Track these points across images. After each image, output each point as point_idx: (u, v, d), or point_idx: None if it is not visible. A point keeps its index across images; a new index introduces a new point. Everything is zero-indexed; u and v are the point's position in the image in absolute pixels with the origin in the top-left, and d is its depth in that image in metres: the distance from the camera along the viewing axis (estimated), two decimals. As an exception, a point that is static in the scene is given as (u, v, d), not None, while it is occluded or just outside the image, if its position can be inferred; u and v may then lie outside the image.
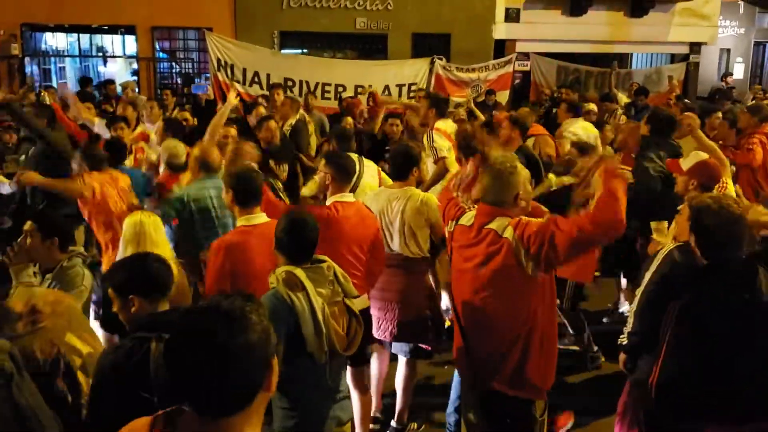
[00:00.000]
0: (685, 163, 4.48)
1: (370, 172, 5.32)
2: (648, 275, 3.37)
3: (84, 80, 13.34)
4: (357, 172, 4.81)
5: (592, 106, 8.97)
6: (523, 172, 3.27)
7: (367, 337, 4.36)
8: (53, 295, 2.98)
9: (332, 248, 3.85)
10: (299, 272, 2.94)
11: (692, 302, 2.87)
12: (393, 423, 4.63)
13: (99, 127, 7.28)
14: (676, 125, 5.71)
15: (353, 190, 4.52)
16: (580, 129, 7.24)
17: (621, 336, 3.50)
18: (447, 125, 6.36)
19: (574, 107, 8.18)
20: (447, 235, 3.55)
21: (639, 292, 3.42)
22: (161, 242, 3.77)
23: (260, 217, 3.84)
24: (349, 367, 4.12)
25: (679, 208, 3.89)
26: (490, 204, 3.22)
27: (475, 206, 3.42)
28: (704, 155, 4.63)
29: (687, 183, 4.39)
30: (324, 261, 3.10)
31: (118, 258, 3.74)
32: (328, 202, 4.08)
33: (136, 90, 10.98)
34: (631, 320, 3.44)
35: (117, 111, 8.39)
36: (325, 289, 2.98)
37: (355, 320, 3.11)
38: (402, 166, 4.36)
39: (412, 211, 4.20)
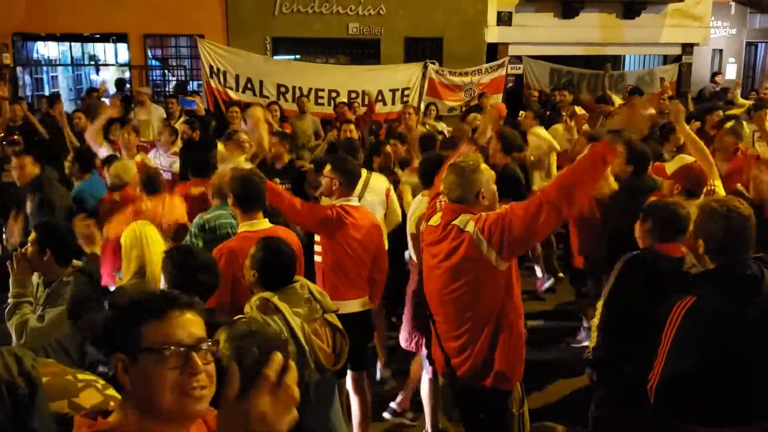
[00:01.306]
0: (670, 167, 4.44)
1: (377, 187, 5.30)
2: (607, 288, 3.42)
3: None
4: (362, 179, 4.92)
5: (579, 110, 9.00)
6: (487, 172, 3.37)
7: (365, 341, 4.42)
8: None
9: (340, 248, 4.11)
10: (271, 297, 2.92)
11: (700, 306, 2.78)
12: (393, 404, 4.81)
13: (103, 151, 6.89)
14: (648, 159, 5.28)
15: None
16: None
17: (586, 351, 3.55)
18: None
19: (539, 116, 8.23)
20: (420, 236, 3.71)
21: (599, 306, 3.46)
22: (160, 242, 3.76)
23: (263, 223, 3.81)
24: (349, 371, 4.17)
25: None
26: (454, 202, 3.32)
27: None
28: (689, 158, 4.59)
29: (672, 187, 4.36)
30: (297, 281, 3.08)
31: (123, 268, 3.72)
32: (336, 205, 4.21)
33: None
34: (594, 335, 3.49)
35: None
36: (301, 308, 2.97)
37: (339, 334, 3.08)
38: (434, 174, 4.21)
39: None
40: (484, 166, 3.38)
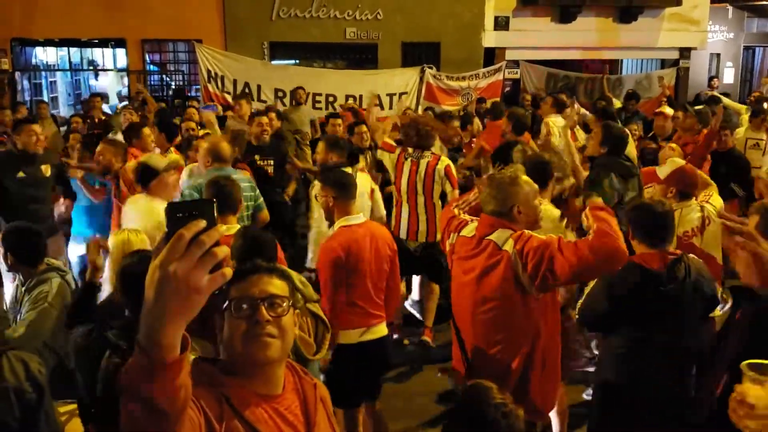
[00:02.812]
0: (662, 172, 4.42)
1: (360, 189, 5.19)
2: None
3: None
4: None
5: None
6: (527, 186, 3.19)
7: (381, 371, 4.12)
8: None
9: (354, 280, 3.72)
10: None
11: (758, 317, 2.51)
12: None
13: None
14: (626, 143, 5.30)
15: None
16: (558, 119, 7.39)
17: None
18: None
19: (559, 104, 8.14)
20: (448, 248, 3.44)
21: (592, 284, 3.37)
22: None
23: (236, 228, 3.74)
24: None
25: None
26: (490, 215, 3.15)
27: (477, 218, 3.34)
28: (681, 161, 4.59)
29: (665, 192, 4.32)
30: None
31: (109, 275, 3.64)
32: (335, 227, 3.84)
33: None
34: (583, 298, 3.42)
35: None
36: None
37: (321, 323, 3.06)
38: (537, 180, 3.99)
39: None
40: (524, 178, 3.22)
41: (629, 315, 3.17)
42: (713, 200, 4.52)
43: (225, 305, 1.76)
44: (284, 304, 1.78)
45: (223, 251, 1.19)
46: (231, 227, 3.72)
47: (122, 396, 1.24)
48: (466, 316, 3.22)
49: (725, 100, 11.44)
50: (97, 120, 9.74)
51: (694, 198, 4.38)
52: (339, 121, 7.89)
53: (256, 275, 1.81)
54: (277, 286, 1.81)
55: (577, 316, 3.46)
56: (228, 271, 1.20)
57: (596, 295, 3.27)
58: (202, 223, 1.18)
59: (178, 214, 1.21)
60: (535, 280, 2.92)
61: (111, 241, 3.64)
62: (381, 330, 3.92)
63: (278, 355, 1.74)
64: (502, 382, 2.98)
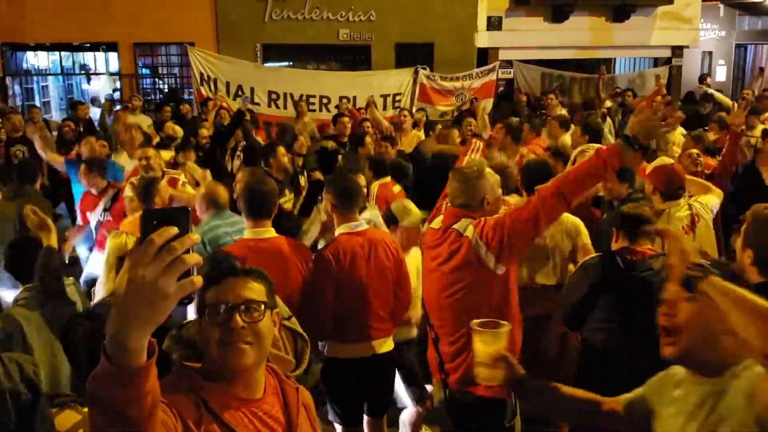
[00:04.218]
0: (649, 167, 4.49)
1: None
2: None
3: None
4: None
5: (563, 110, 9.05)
6: (491, 177, 3.31)
7: (385, 386, 3.91)
8: None
9: (346, 291, 3.60)
10: None
11: None
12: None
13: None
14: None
15: None
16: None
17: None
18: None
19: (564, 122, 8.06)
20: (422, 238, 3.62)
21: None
22: None
23: (270, 231, 3.62)
24: (365, 416, 3.88)
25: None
26: (457, 207, 3.28)
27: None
28: (668, 160, 4.60)
29: (648, 187, 4.40)
30: None
31: (103, 275, 3.58)
32: (335, 234, 3.73)
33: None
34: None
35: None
36: None
37: (300, 338, 2.99)
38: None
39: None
40: (488, 170, 3.33)
41: (602, 300, 3.36)
42: (703, 198, 4.49)
43: (200, 310, 1.76)
44: (261, 308, 1.77)
45: (194, 259, 1.19)
46: (265, 231, 3.60)
47: (89, 403, 1.22)
48: (434, 301, 3.36)
49: (717, 95, 11.52)
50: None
51: (681, 200, 4.36)
52: (346, 119, 8.22)
53: (232, 278, 1.79)
54: (253, 289, 1.79)
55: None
56: (198, 279, 1.20)
57: (574, 284, 3.53)
58: (174, 230, 1.18)
59: (153, 221, 1.22)
60: (500, 253, 3.06)
61: (108, 244, 3.59)
62: (381, 345, 3.75)
63: (254, 361, 1.73)
64: (466, 360, 3.10)
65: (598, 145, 5.45)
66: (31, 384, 2.43)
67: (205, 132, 7.64)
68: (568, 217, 4.00)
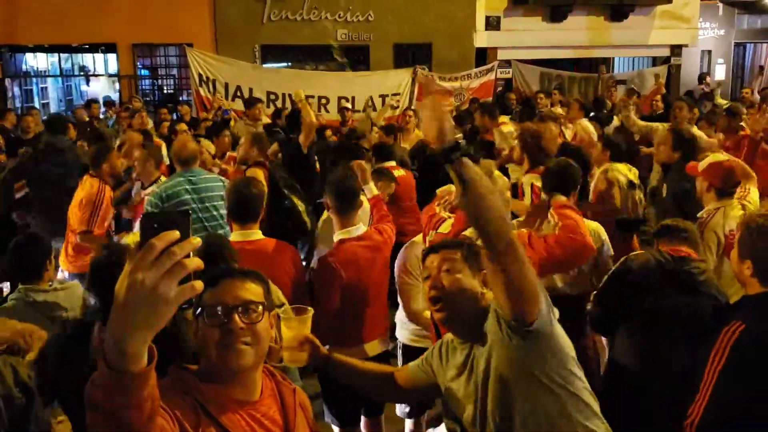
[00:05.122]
0: (702, 164, 4.26)
1: None
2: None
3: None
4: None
5: (559, 110, 9.01)
6: (500, 180, 3.27)
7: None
8: None
9: (350, 298, 3.58)
10: None
11: (752, 335, 2.39)
12: None
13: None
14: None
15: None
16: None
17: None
18: None
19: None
20: (427, 245, 3.38)
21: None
22: None
23: (256, 234, 3.61)
24: (363, 417, 3.87)
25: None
26: None
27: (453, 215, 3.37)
28: (721, 156, 4.37)
29: (702, 186, 4.20)
30: None
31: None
32: (334, 239, 3.69)
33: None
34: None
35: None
36: None
37: None
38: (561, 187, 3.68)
39: None
40: (497, 173, 3.29)
41: (639, 300, 3.17)
42: (751, 197, 4.33)
43: (198, 311, 1.75)
44: (259, 309, 1.76)
45: (195, 263, 1.17)
46: (252, 233, 3.59)
47: (87, 408, 1.21)
48: None
49: (719, 99, 11.47)
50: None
51: (735, 198, 4.19)
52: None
53: (229, 279, 1.79)
54: (251, 290, 1.79)
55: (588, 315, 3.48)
56: (198, 284, 1.18)
57: (613, 280, 3.31)
58: (175, 234, 1.17)
59: (154, 225, 1.20)
60: None
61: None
62: (378, 346, 3.76)
63: (253, 362, 1.73)
64: None
65: (621, 165, 5.46)
66: (25, 388, 2.43)
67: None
68: (590, 224, 3.74)
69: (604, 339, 4.08)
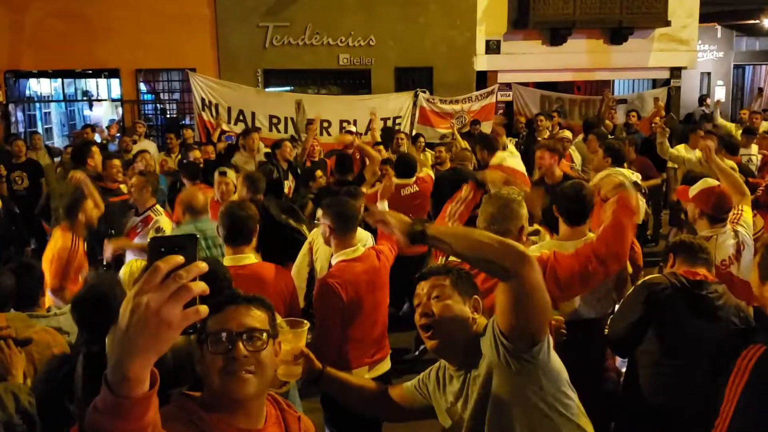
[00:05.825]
0: (693, 190, 4.24)
1: None
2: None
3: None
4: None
5: (567, 133, 9.04)
6: (525, 207, 3.21)
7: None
8: None
9: (350, 320, 3.57)
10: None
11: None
12: None
13: None
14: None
15: None
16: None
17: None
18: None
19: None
20: (441, 262, 3.37)
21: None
22: None
23: (249, 258, 3.61)
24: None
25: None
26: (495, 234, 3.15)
27: None
28: (713, 182, 4.32)
29: (693, 211, 4.20)
30: None
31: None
32: (333, 261, 3.70)
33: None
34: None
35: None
36: None
37: None
38: (577, 211, 3.55)
39: None
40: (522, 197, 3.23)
41: (658, 324, 3.18)
42: (744, 218, 4.30)
43: (202, 338, 1.72)
44: (263, 337, 1.74)
45: (201, 287, 1.16)
46: (244, 257, 3.58)
47: None
48: None
49: (719, 119, 11.53)
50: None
51: (728, 222, 4.18)
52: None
53: (233, 306, 1.76)
54: (256, 317, 1.76)
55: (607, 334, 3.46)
56: (203, 309, 1.17)
57: (631, 302, 3.30)
58: (181, 259, 1.16)
59: (161, 248, 1.19)
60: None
61: (121, 273, 3.63)
62: (383, 366, 3.77)
63: (256, 390, 1.70)
64: None
65: (622, 170, 5.42)
66: (26, 415, 2.42)
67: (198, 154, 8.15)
68: None
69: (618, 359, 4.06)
